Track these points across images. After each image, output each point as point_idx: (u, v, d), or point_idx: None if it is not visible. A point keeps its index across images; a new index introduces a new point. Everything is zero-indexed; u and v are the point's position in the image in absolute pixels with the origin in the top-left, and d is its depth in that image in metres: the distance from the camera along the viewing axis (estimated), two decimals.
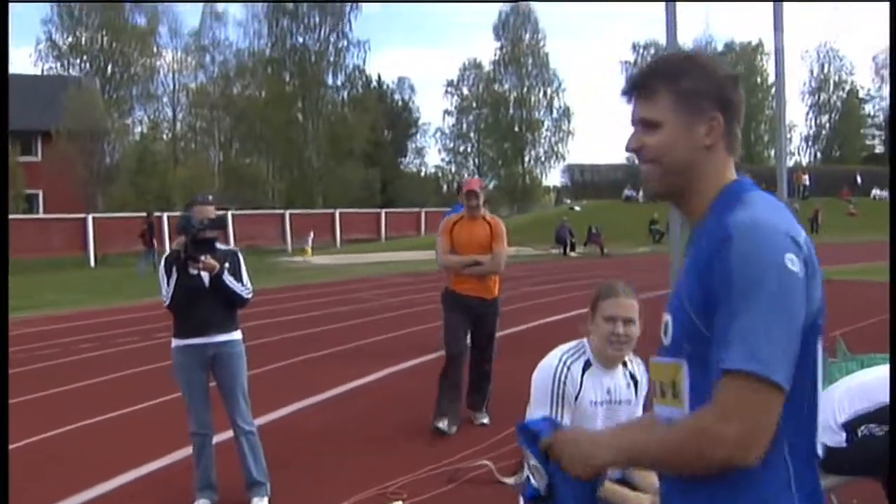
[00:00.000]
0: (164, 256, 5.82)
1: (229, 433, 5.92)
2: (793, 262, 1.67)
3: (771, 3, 6.96)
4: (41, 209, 42.84)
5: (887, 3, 7.37)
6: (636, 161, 1.93)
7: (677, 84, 1.84)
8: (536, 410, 3.48)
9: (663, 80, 1.86)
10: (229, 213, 38.57)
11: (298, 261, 33.81)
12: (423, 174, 73.96)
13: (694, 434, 1.68)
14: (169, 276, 5.61)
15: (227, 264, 5.69)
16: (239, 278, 5.77)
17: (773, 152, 61.38)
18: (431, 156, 74.68)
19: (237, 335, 5.88)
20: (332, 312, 16.48)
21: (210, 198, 5.98)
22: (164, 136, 60.50)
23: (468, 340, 7.68)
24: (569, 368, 3.52)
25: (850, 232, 37.96)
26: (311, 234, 38.23)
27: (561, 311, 14.91)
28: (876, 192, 57.90)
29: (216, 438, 5.90)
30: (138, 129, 57.85)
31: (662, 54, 2.05)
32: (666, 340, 1.84)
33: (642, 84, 1.89)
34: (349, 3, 58.78)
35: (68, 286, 23.62)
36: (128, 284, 23.65)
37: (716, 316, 1.70)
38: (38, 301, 18.84)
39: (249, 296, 5.84)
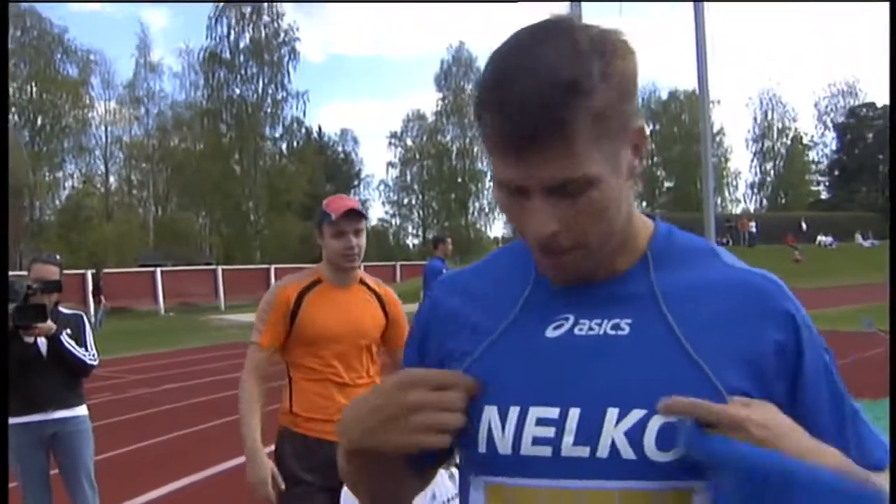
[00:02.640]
0: None
1: None
2: None
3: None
4: None
5: (887, 3, 6.98)
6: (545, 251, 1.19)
7: (590, 101, 1.08)
8: None
9: (574, 102, 1.07)
10: (158, 270, 37.82)
11: (231, 318, 32.94)
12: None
13: None
14: None
15: (67, 329, 5.12)
16: (83, 344, 5.22)
17: (717, 200, 62.33)
18: (375, 209, 74.42)
19: (82, 411, 5.34)
20: None
21: (57, 257, 5.43)
22: (97, 190, 59.35)
23: None
24: None
25: (795, 279, 38.05)
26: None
27: None
28: (821, 238, 58.59)
29: None
30: (69, 184, 56.74)
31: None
32: (666, 456, 1.12)
33: (546, 124, 1.08)
34: (287, 55, 58.62)
35: None
36: None
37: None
38: None
39: (94, 363, 5.30)
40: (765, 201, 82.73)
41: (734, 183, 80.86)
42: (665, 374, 1.15)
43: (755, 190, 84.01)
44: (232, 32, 57.56)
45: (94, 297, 29.10)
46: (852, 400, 1.25)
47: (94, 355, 5.21)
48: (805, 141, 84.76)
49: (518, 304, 1.26)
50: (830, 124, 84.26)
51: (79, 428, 5.18)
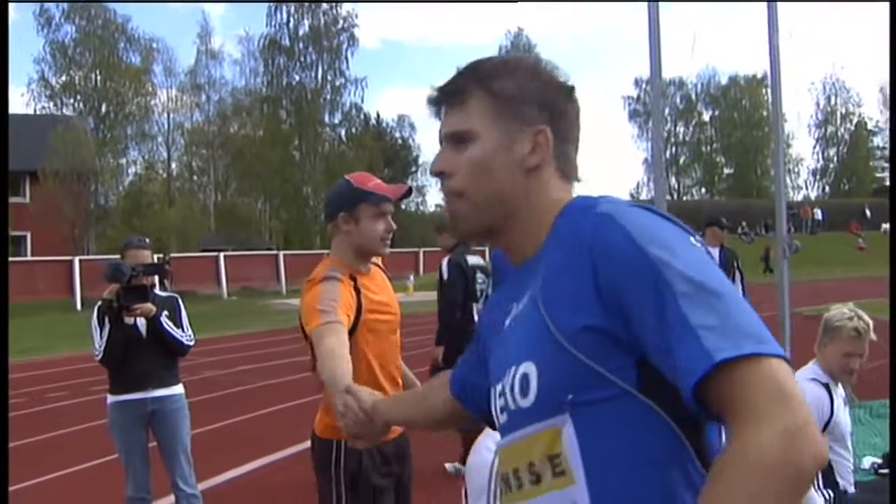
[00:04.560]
0: (95, 306, 5.26)
1: (170, 498, 5.47)
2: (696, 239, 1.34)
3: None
4: (28, 251, 42.23)
5: (887, 4, 6.98)
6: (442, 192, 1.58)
7: (494, 85, 1.50)
8: None
9: (477, 81, 1.52)
10: (221, 255, 38.34)
11: (293, 303, 33.31)
12: (422, 213, 73.53)
13: (750, 462, 1.10)
14: (101, 328, 5.16)
15: (165, 311, 5.29)
16: (179, 325, 5.39)
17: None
18: (432, 194, 74.17)
19: (179, 389, 5.51)
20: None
21: (147, 241, 5.57)
22: (159, 176, 60.23)
23: None
24: None
25: (859, 267, 37.48)
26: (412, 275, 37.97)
27: None
28: (885, 225, 57.46)
29: None
30: (132, 170, 57.65)
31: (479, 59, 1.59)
32: (527, 402, 1.37)
33: (452, 88, 1.55)
34: (346, 41, 58.79)
35: (50, 331, 23.04)
36: None
37: (634, 324, 1.25)
38: (13, 347, 18.20)
39: (191, 343, 5.47)
40: (827, 188, 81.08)
41: (796, 170, 79.45)
42: (524, 332, 1.42)
43: (817, 176, 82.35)
44: (291, 20, 57.76)
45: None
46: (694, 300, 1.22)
47: (190, 336, 5.38)
48: (870, 126, 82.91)
49: (503, 303, 1.56)
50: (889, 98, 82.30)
51: (176, 406, 5.36)
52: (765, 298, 7.69)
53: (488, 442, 2.67)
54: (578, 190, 1.53)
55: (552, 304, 1.35)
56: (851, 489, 4.34)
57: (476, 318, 7.20)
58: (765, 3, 6.20)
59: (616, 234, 1.29)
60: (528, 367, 1.37)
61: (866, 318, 4.31)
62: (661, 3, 5.61)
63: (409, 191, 3.46)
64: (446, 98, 1.55)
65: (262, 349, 17.23)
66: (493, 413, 1.51)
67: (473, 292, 7.11)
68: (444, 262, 7.04)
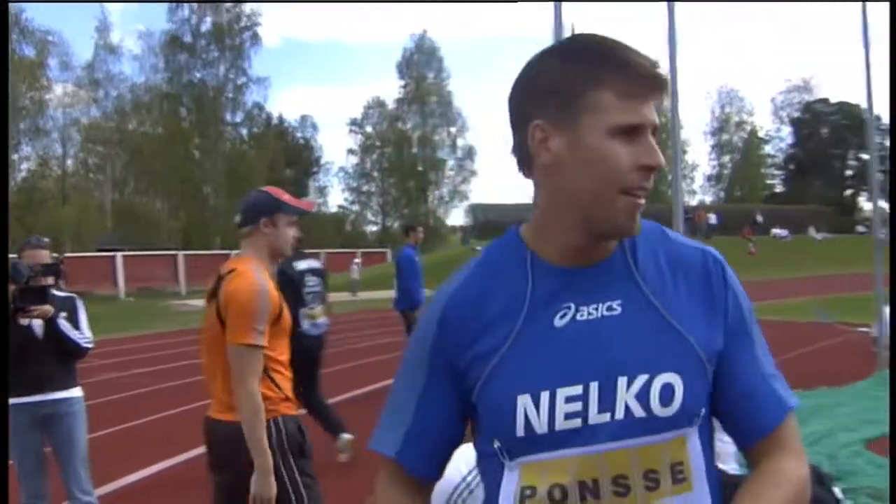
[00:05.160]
0: None
1: None
2: None
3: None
4: None
5: (887, 4, 7.33)
6: (645, 184, 1.41)
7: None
8: None
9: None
10: (119, 255, 37.47)
11: (193, 304, 32.79)
12: (324, 214, 73.18)
13: (800, 486, 1.47)
14: None
15: (63, 312, 5.12)
16: (77, 326, 5.22)
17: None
18: (334, 195, 73.96)
19: (76, 392, 5.30)
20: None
21: (45, 241, 5.37)
22: (53, 173, 58.50)
23: None
24: (471, 492, 2.57)
25: (750, 271, 38.68)
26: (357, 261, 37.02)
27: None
28: (775, 231, 59.40)
29: None
30: (25, 166, 55.83)
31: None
32: (663, 411, 1.40)
33: (665, 81, 1.43)
34: (248, 39, 58.15)
35: None
36: None
37: (731, 352, 1.48)
38: None
39: (89, 345, 5.28)
40: (721, 194, 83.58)
41: (691, 175, 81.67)
42: (654, 341, 1.41)
43: (712, 182, 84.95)
44: (193, 16, 57.02)
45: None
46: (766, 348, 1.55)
47: (88, 338, 5.22)
48: (761, 135, 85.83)
49: (526, 301, 1.45)
50: (787, 119, 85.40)
51: (73, 409, 5.18)
52: None
53: (461, 464, 2.58)
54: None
55: (689, 321, 1.44)
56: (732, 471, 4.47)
57: (303, 324, 7.25)
58: (664, 4, 6.34)
59: (734, 275, 1.52)
60: (672, 378, 1.40)
61: None
62: (563, 4, 5.59)
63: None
64: (663, 88, 1.42)
65: (162, 350, 16.93)
66: (544, 418, 1.40)
67: (301, 297, 7.22)
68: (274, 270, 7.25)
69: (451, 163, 74.71)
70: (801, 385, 9.10)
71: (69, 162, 60.11)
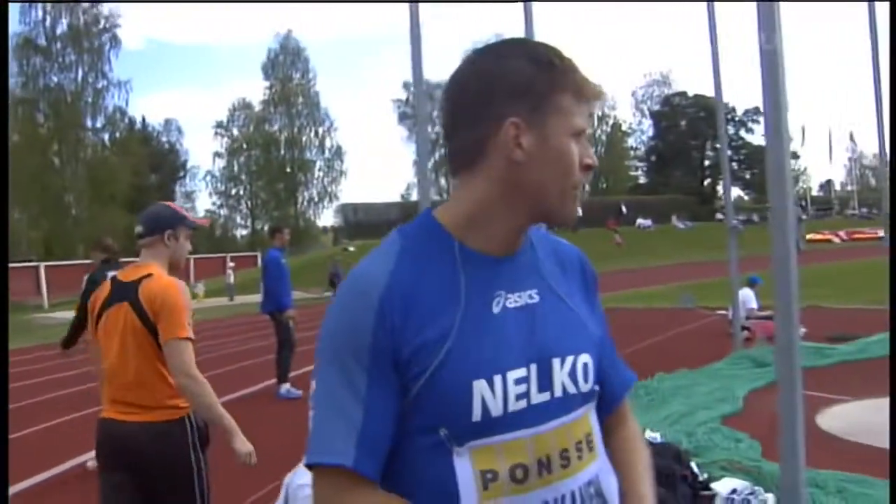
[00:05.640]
0: None
1: None
2: None
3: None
4: None
5: (887, 4, 7.69)
6: (582, 184, 1.58)
7: None
8: None
9: None
10: None
11: (57, 317, 31.74)
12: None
13: (643, 438, 1.82)
14: None
15: None
16: None
17: None
18: (202, 200, 72.62)
19: None
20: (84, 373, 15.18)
21: None
22: None
23: None
24: None
25: (617, 260, 39.81)
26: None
27: None
28: (640, 221, 61.23)
29: None
30: None
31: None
32: (586, 387, 1.58)
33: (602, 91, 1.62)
34: (108, 42, 56.60)
35: None
36: None
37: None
38: None
39: None
40: (587, 186, 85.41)
41: None
42: (569, 326, 1.58)
43: None
44: (48, 17, 55.16)
45: None
46: None
47: None
48: (624, 128, 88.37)
49: (462, 289, 1.49)
50: (647, 112, 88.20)
51: None
52: None
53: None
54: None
55: (582, 309, 1.65)
56: None
57: None
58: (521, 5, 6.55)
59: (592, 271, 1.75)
60: (587, 358, 1.58)
61: None
62: (422, 4, 5.63)
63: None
64: (601, 97, 1.60)
65: (28, 365, 16.33)
66: (499, 401, 1.45)
67: None
68: (85, 278, 7.53)
69: (319, 163, 74.50)
70: (664, 367, 9.56)
71: None
